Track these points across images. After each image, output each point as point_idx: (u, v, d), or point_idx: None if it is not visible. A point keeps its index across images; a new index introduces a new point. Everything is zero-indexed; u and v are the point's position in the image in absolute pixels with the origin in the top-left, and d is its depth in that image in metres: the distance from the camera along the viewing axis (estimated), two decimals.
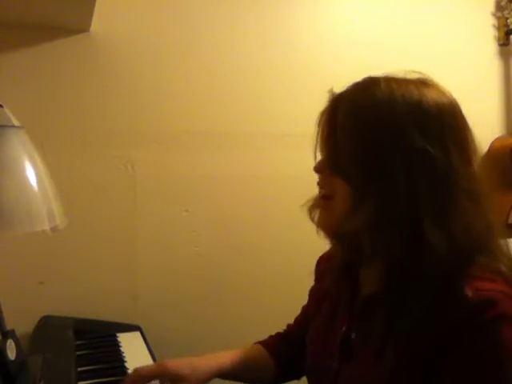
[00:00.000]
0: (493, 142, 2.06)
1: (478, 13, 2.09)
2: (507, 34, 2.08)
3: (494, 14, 2.10)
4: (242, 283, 1.78)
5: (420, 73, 0.78)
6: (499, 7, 2.10)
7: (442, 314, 0.68)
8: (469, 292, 0.67)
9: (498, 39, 2.10)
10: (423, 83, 0.76)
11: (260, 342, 1.08)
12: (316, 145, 0.82)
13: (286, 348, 1.06)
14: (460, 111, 0.76)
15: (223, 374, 0.99)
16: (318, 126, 0.81)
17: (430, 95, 0.73)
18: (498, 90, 2.14)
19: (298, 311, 1.10)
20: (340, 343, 0.82)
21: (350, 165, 0.73)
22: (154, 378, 0.94)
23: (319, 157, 0.82)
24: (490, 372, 0.66)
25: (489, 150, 2.06)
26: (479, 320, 0.65)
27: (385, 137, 0.71)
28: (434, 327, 0.68)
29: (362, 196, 0.72)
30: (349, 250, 0.84)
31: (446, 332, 0.67)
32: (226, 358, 1.00)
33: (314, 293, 1.05)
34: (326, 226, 0.81)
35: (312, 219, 0.84)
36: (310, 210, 0.84)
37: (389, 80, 0.75)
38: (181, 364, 0.94)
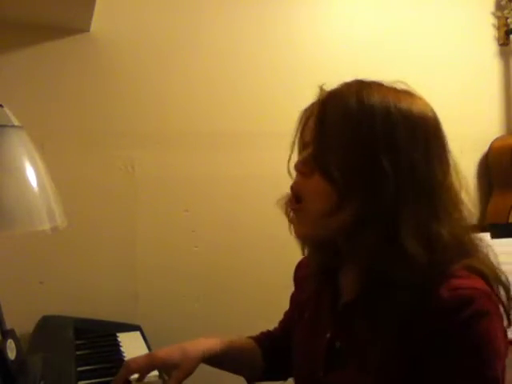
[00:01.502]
0: (493, 142, 2.06)
1: (478, 12, 2.10)
2: (507, 33, 2.08)
3: (493, 14, 2.11)
4: (241, 283, 1.78)
5: (405, 84, 0.78)
6: (499, 7, 2.10)
7: (420, 317, 0.68)
8: (445, 293, 0.67)
9: (498, 39, 2.11)
10: (410, 94, 0.77)
11: (252, 337, 1.08)
12: (294, 141, 0.82)
13: (273, 348, 1.06)
14: (439, 124, 0.77)
15: (213, 359, 0.98)
16: (300, 123, 0.81)
17: (417, 106, 0.75)
18: (498, 89, 2.14)
19: (285, 311, 1.10)
20: (325, 351, 0.82)
21: (338, 164, 0.72)
22: (145, 370, 0.94)
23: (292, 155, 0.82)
24: (472, 367, 0.66)
25: (489, 149, 2.07)
26: (457, 319, 0.66)
27: (376, 140, 0.71)
28: (415, 331, 0.68)
29: (346, 195, 0.71)
30: (325, 255, 0.84)
31: (427, 334, 0.68)
32: (217, 342, 0.99)
33: (294, 299, 1.05)
34: (303, 231, 0.80)
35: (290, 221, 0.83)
36: (287, 213, 0.84)
37: (380, 86, 0.76)
38: (171, 351, 0.94)
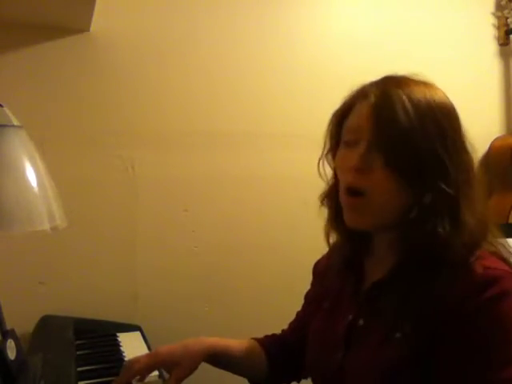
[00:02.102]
0: (493, 142, 2.06)
1: (478, 12, 2.10)
2: (507, 33, 2.08)
3: (493, 14, 2.11)
4: (241, 283, 1.78)
5: (418, 75, 0.82)
6: (499, 7, 2.10)
7: (453, 289, 0.73)
8: (479, 268, 0.73)
9: (498, 39, 2.11)
10: (429, 84, 0.81)
11: (255, 339, 1.08)
12: (325, 142, 0.86)
13: (280, 350, 1.06)
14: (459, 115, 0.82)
15: (215, 358, 0.99)
16: (336, 124, 0.85)
17: (442, 94, 0.81)
18: (498, 89, 2.14)
19: (297, 311, 1.10)
20: (345, 332, 0.84)
21: (407, 162, 0.76)
22: (147, 370, 0.94)
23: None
24: (495, 344, 0.70)
25: (489, 149, 2.06)
26: (487, 294, 0.71)
27: (431, 132, 0.76)
28: (445, 302, 0.72)
29: (419, 191, 0.76)
30: (358, 243, 0.87)
31: (456, 306, 0.72)
32: (219, 341, 1.00)
33: (310, 296, 1.05)
34: (362, 223, 0.82)
35: (332, 219, 0.87)
36: (328, 206, 0.88)
37: (410, 79, 0.81)
38: (173, 349, 0.95)
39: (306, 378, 1.06)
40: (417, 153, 0.75)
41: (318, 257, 1.05)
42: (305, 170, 1.80)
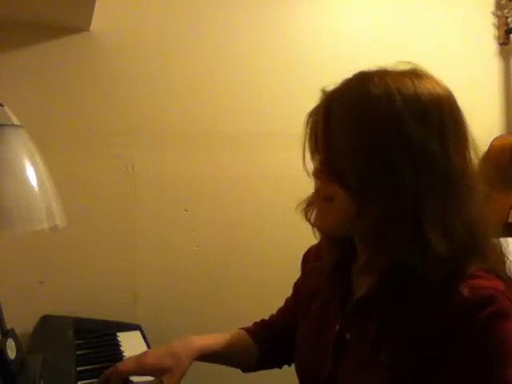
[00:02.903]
0: (493, 142, 2.06)
1: (478, 12, 2.09)
2: (507, 32, 2.08)
3: (494, 13, 2.10)
4: (241, 282, 1.78)
5: (411, 63, 0.74)
6: (499, 6, 2.10)
7: (439, 314, 0.67)
8: (465, 291, 0.66)
9: (498, 38, 2.10)
10: (416, 75, 0.72)
11: (244, 328, 1.08)
12: (304, 147, 0.79)
13: (269, 335, 1.06)
14: (456, 102, 0.73)
15: (206, 357, 0.98)
16: (307, 127, 0.78)
17: (425, 86, 0.70)
18: (498, 89, 2.14)
19: (287, 297, 1.10)
20: (334, 344, 0.81)
21: (349, 169, 0.69)
22: (132, 374, 0.94)
23: (307, 158, 0.80)
24: (492, 369, 0.65)
25: (489, 149, 2.06)
26: (477, 318, 0.65)
27: (385, 133, 0.68)
28: (432, 327, 0.67)
29: (365, 200, 0.69)
30: (341, 250, 0.83)
31: (444, 332, 0.66)
32: (209, 340, 0.99)
33: (298, 286, 1.04)
34: (325, 226, 0.80)
35: (308, 220, 0.82)
36: (306, 211, 0.83)
37: (382, 74, 0.72)
38: (160, 356, 0.93)
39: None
40: (359, 162, 0.68)
41: (307, 249, 1.05)
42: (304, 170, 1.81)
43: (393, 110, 0.68)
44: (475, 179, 0.72)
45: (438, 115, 0.69)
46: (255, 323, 1.11)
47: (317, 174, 0.76)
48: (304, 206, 0.83)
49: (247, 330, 1.08)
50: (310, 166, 0.81)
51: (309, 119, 0.78)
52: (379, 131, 0.68)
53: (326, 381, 0.81)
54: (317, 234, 0.85)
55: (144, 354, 0.96)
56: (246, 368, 1.07)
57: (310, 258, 1.00)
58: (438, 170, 0.68)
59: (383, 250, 0.71)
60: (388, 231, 0.69)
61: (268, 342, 1.05)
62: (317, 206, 0.80)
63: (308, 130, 0.78)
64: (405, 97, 0.68)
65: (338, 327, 0.81)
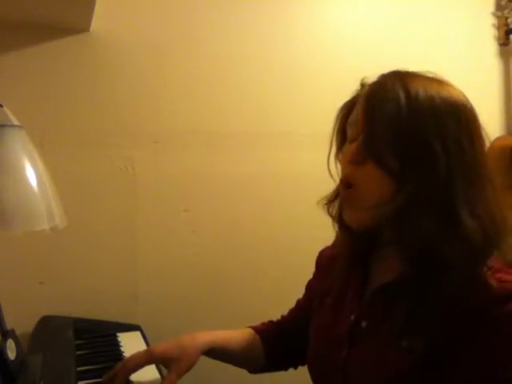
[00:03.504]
0: (493, 142, 2.05)
1: (478, 12, 2.09)
2: (507, 33, 2.07)
3: (494, 14, 2.10)
4: (241, 283, 1.78)
5: (433, 73, 0.81)
6: (499, 6, 2.09)
7: (465, 303, 0.70)
8: (493, 282, 0.69)
9: (498, 39, 2.10)
10: (441, 81, 0.79)
11: (252, 327, 1.08)
12: (333, 138, 0.84)
13: (278, 339, 1.06)
14: (475, 109, 0.80)
15: (213, 352, 0.98)
16: (341, 119, 0.83)
17: (454, 92, 0.78)
18: (498, 89, 2.14)
19: (298, 298, 1.10)
20: (349, 331, 0.83)
21: (392, 152, 0.74)
22: (142, 366, 0.94)
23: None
24: (508, 361, 0.67)
25: (489, 149, 2.06)
26: (504, 309, 0.68)
27: (426, 126, 0.74)
28: (456, 315, 0.70)
29: (401, 181, 0.74)
30: (363, 240, 0.85)
31: (470, 319, 0.69)
32: (217, 335, 1.00)
33: (312, 286, 1.05)
34: (351, 216, 0.81)
35: (330, 214, 0.86)
36: (328, 206, 0.86)
37: (416, 75, 0.79)
38: (169, 347, 0.95)
39: (303, 365, 1.06)
40: (400, 145, 0.74)
41: (320, 251, 1.05)
42: (305, 170, 1.81)
43: (434, 107, 0.74)
44: (493, 175, 0.79)
45: (466, 116, 0.77)
46: (263, 324, 1.11)
47: (351, 155, 0.79)
48: (325, 201, 0.86)
49: (256, 329, 1.08)
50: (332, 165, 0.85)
51: (341, 111, 0.84)
52: (420, 122, 0.74)
53: (340, 369, 0.82)
54: (336, 226, 0.87)
55: (153, 345, 0.98)
56: (253, 368, 1.07)
57: (325, 258, 1.02)
58: (468, 162, 0.75)
59: (414, 232, 0.73)
60: (421, 212, 0.73)
61: (275, 345, 1.06)
62: (342, 196, 0.82)
63: (339, 122, 0.84)
64: (443, 97, 0.76)
65: (353, 317, 0.83)
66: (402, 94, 0.75)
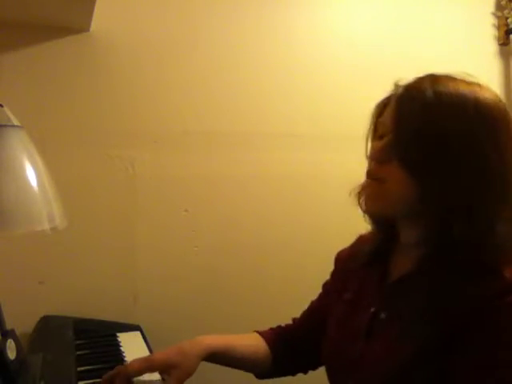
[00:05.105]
0: None
1: (478, 12, 2.09)
2: (507, 33, 2.07)
3: (494, 14, 2.10)
4: (241, 283, 1.78)
5: (473, 76, 0.82)
6: (499, 7, 2.10)
7: (482, 291, 0.72)
8: (507, 274, 0.71)
9: (498, 39, 2.10)
10: (479, 85, 0.80)
11: (259, 332, 1.08)
12: (368, 136, 0.86)
13: (284, 344, 1.06)
14: (509, 114, 0.80)
15: (215, 357, 0.98)
16: (375, 117, 0.85)
17: (490, 96, 0.78)
18: (498, 89, 2.14)
19: (297, 310, 1.10)
20: (367, 324, 0.84)
21: (416, 153, 0.75)
22: (141, 373, 0.93)
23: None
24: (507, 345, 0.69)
25: None
26: (508, 299, 0.69)
27: (452, 130, 0.74)
28: (469, 303, 0.72)
29: (424, 183, 0.75)
30: (386, 234, 0.88)
31: (479, 307, 0.71)
32: (218, 339, 0.99)
33: (328, 287, 1.06)
34: (375, 208, 0.83)
35: (360, 205, 0.87)
36: (359, 196, 0.87)
37: (452, 78, 0.80)
38: (169, 354, 0.93)
39: (313, 369, 1.06)
40: (428, 147, 0.74)
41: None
42: (304, 170, 1.81)
43: (463, 112, 0.75)
44: None
45: (495, 122, 0.76)
46: (271, 329, 1.10)
47: (378, 153, 0.81)
48: (357, 191, 0.87)
49: (262, 335, 1.07)
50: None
51: (376, 110, 0.86)
52: (447, 126, 0.74)
53: (357, 360, 0.83)
54: (367, 219, 0.89)
55: (153, 354, 0.98)
56: (259, 373, 1.07)
57: (343, 258, 1.04)
58: (493, 170, 0.75)
59: (439, 224, 0.75)
60: (445, 206, 0.75)
61: (283, 352, 1.05)
62: (368, 189, 0.83)
63: (374, 120, 0.85)
64: (474, 101, 0.76)
65: (373, 309, 0.85)
66: (432, 98, 0.75)
